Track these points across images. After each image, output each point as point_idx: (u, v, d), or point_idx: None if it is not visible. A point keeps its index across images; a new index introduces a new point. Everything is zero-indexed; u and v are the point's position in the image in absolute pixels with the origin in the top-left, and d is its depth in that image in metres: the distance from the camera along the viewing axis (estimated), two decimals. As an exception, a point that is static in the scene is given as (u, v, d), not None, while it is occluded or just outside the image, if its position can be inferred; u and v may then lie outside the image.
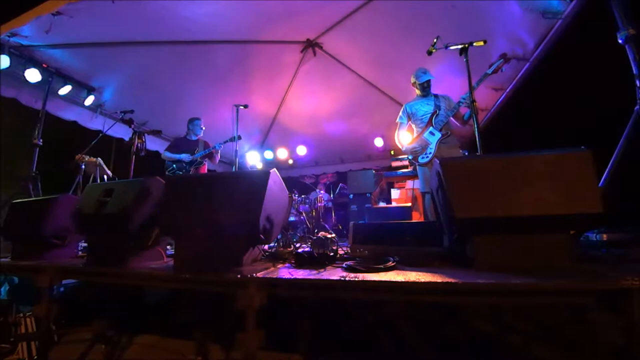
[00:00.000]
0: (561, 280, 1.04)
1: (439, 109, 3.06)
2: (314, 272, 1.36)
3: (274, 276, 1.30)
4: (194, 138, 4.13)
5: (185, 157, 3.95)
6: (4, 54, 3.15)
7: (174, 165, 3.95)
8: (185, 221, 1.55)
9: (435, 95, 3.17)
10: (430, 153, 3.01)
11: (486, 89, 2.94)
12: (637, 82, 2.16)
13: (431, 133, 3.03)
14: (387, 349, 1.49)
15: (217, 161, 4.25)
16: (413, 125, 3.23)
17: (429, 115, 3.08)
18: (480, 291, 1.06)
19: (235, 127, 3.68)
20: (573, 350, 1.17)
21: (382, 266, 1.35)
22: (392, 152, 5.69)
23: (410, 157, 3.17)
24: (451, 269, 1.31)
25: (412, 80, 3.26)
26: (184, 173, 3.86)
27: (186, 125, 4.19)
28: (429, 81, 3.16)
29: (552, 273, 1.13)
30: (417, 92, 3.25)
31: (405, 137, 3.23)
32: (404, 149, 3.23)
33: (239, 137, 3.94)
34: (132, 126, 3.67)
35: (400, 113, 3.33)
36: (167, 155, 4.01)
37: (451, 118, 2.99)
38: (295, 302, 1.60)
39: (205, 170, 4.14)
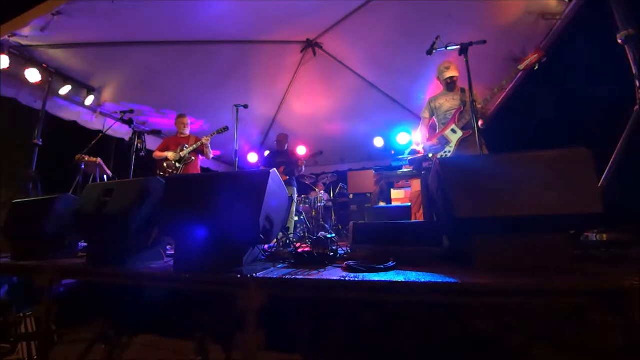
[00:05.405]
0: (561, 280, 1.04)
1: (465, 105, 2.81)
2: (314, 272, 1.36)
3: (274, 276, 1.29)
4: (183, 135, 4.09)
5: (172, 154, 3.88)
6: (3, 54, 3.15)
7: (165, 164, 3.88)
8: (185, 221, 1.55)
9: (463, 90, 2.92)
10: (449, 152, 2.81)
11: (486, 89, 2.92)
12: (637, 82, 2.16)
13: (453, 131, 2.83)
14: (387, 349, 1.48)
15: (211, 156, 4.14)
16: (436, 121, 3.05)
17: (454, 111, 2.87)
18: (480, 291, 1.06)
19: (235, 127, 3.68)
20: (573, 350, 1.17)
21: (382, 266, 1.35)
22: (392, 152, 5.68)
23: (429, 156, 2.96)
24: (451, 269, 1.31)
25: (437, 75, 3.10)
26: (173, 171, 3.82)
27: (174, 123, 4.16)
28: (452, 78, 2.97)
29: (552, 273, 1.13)
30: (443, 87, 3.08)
31: (426, 134, 3.07)
32: (423, 146, 3.05)
33: (226, 129, 3.93)
34: (132, 126, 3.68)
35: (424, 108, 3.16)
36: (157, 154, 3.95)
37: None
38: (295, 302, 1.59)
39: (198, 167, 4.08)
